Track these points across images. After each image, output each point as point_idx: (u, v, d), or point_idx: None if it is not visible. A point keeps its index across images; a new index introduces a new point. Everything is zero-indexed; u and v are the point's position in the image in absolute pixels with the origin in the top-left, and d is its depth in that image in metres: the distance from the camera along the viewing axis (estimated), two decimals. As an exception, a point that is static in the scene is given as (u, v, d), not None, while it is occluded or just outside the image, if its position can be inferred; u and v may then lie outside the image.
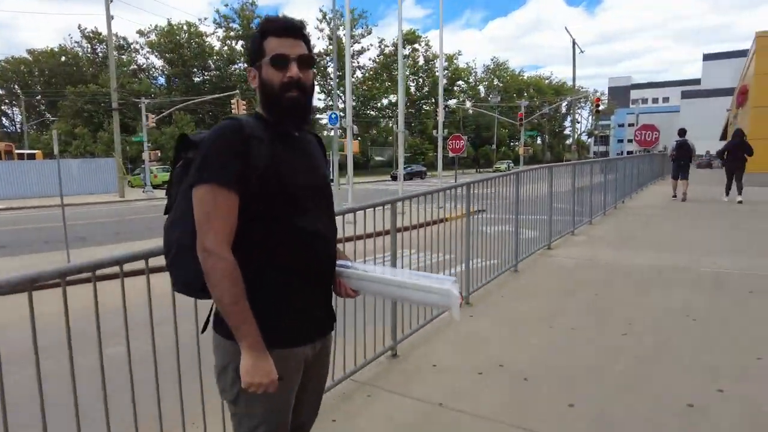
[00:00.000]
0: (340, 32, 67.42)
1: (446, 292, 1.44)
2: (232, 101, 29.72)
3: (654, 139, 16.51)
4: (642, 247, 6.94)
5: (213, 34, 64.60)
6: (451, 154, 21.15)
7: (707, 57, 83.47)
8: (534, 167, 7.12)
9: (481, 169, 75.21)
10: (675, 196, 13.02)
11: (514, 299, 4.83)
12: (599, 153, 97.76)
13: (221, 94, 39.30)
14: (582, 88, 61.93)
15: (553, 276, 5.61)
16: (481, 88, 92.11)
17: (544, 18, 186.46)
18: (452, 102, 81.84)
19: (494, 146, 78.50)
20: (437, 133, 21.76)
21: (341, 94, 68.34)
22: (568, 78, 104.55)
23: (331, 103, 66.65)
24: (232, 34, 63.38)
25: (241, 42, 63.06)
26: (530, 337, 3.86)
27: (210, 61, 65.50)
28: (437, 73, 77.65)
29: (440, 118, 21.03)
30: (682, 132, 13.68)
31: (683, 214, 10.18)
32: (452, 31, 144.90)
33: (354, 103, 66.96)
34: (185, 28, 62.68)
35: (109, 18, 27.72)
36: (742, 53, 72.98)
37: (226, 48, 64.27)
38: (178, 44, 61.52)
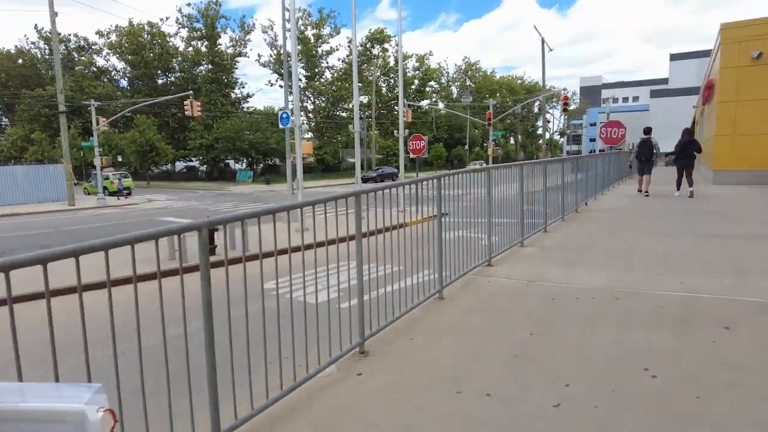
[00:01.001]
0: (308, 32, 65.84)
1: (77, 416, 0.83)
2: (185, 102, 28.11)
3: (620, 136, 15.71)
4: (599, 263, 5.91)
5: (176, 34, 62.49)
6: (411, 156, 20.08)
7: (674, 57, 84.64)
8: (459, 171, 6.03)
9: (454, 170, 74.53)
10: (640, 191, 13.73)
11: (425, 345, 3.69)
12: (572, 152, 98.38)
13: (171, 96, 37.50)
14: (553, 87, 61.73)
15: (483, 307, 4.51)
16: (454, 88, 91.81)
17: (518, 19, 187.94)
18: (425, 103, 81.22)
19: (467, 147, 78.05)
20: (398, 133, 20.72)
21: (310, 96, 66.76)
22: (541, 78, 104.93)
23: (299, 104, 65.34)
24: (196, 34, 61.36)
25: (206, 42, 61.14)
26: (425, 411, 2.72)
27: (174, 63, 63.40)
28: (409, 74, 77.03)
29: (401, 118, 19.96)
30: (646, 130, 14.14)
31: (647, 218, 9.25)
32: (427, 33, 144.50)
33: (323, 104, 65.96)
34: (147, 28, 60.46)
35: (53, 14, 26.01)
36: (706, 53, 74.13)
37: (190, 49, 62.22)
38: (140, 45, 59.26)
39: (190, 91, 30.78)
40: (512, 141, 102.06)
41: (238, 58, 61.41)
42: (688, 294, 4.49)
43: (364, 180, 49.24)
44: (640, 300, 4.38)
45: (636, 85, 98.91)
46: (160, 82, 63.60)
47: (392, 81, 75.28)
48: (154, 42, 60.84)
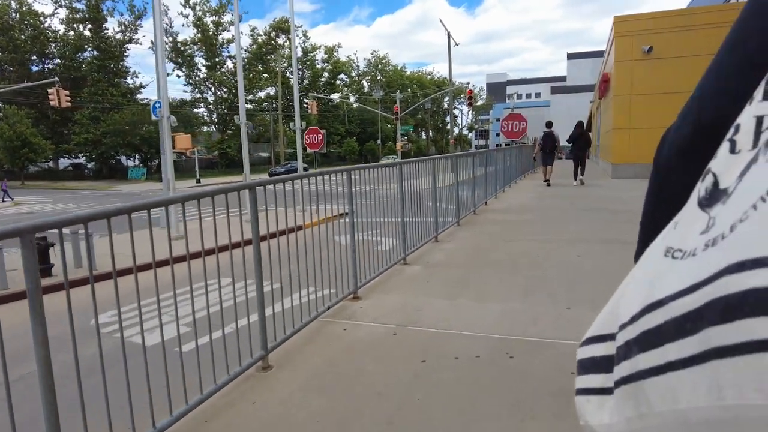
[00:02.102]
0: (207, 19, 61.21)
1: None
2: (50, 92, 24.28)
3: (522, 129, 15.07)
4: (493, 287, 4.64)
5: (53, 15, 55.50)
6: (308, 150, 18.38)
7: (570, 56, 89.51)
8: (332, 168, 4.56)
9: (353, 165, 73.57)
10: (545, 181, 14.83)
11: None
12: (480, 146, 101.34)
13: (32, 83, 32.79)
14: (460, 83, 62.25)
15: (324, 382, 3.01)
16: (365, 82, 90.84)
17: (429, 17, 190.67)
18: (335, 96, 79.44)
19: (380, 141, 77.37)
20: (294, 126, 18.96)
21: (211, 86, 62.17)
22: (453, 74, 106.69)
23: (199, 95, 60.88)
24: (77, 16, 54.86)
25: (89, 26, 54.88)
26: None
27: (53, 48, 56.34)
28: (318, 66, 74.76)
29: (296, 107, 18.17)
30: (548, 124, 15.01)
31: (550, 220, 8.31)
32: (340, 27, 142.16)
33: (225, 95, 61.94)
34: (14, 5, 53.09)
35: None
36: (599, 54, 78.95)
37: (72, 33, 55.55)
38: (5, 25, 51.85)
39: (56, 79, 26.73)
40: (423, 136, 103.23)
41: (128, 45, 55.86)
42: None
43: (272, 175, 46.74)
44: (543, 358, 3.09)
45: (538, 82, 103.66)
46: (35, 69, 56.34)
47: (300, 72, 72.72)
48: (25, 22, 53.66)
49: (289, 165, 43.65)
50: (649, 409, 0.41)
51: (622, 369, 0.45)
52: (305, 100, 72.42)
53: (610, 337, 0.52)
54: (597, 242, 6.33)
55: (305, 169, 45.02)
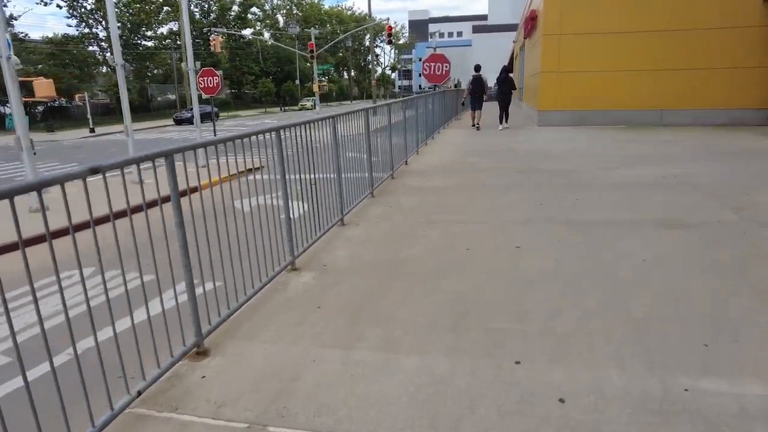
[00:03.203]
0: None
1: None
2: None
3: (445, 72, 13.53)
4: (406, 326, 3.21)
5: None
6: (204, 96, 15.83)
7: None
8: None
9: (286, 108, 69.84)
10: (474, 125, 15.17)
11: None
12: (403, 87, 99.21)
13: None
14: (381, 19, 58.72)
15: None
16: (280, 17, 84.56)
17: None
18: (248, 32, 73.36)
19: (298, 81, 73.10)
20: (187, 67, 16.21)
21: (101, 19, 54.99)
22: (374, 10, 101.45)
23: (87, 30, 53.33)
24: None
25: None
26: None
27: None
28: (226, -2, 67.99)
29: (187, 44, 15.36)
30: (477, 67, 14.75)
31: (480, 186, 7.00)
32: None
33: (120, 32, 54.71)
34: None
35: None
36: (520, -11, 77.79)
37: None
38: None
39: None
40: (345, 76, 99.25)
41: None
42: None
43: (178, 121, 42.32)
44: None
45: (460, 20, 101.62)
46: None
47: (206, 5, 66.02)
48: None
49: (199, 109, 39.58)
50: None
51: None
52: (210, 36, 66.31)
53: None
54: (538, 222, 5.07)
55: (214, 114, 40.91)
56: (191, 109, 38.03)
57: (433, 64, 13.40)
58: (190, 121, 35.66)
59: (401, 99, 8.58)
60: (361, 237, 4.87)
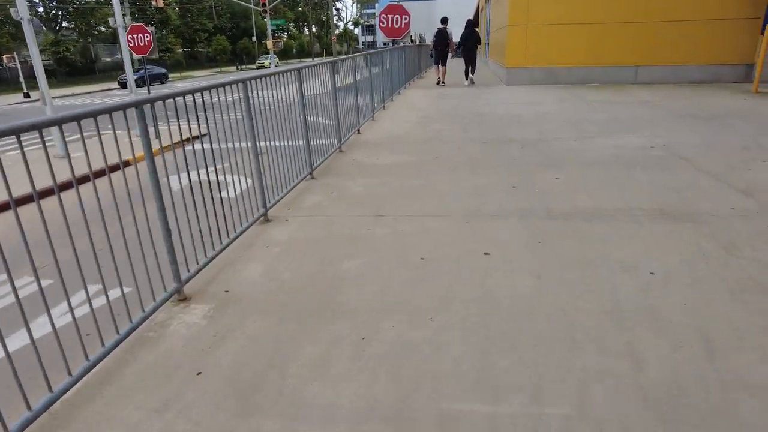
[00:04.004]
0: None
1: None
2: None
3: (404, 25, 12.15)
4: (326, 399, 2.20)
5: None
6: (135, 56, 14.02)
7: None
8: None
9: (243, 66, 66.49)
10: (440, 82, 15.00)
11: None
12: (367, 43, 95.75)
13: None
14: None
15: None
16: (234, -32, 79.51)
17: None
18: (199, -16, 68.67)
19: (254, 38, 69.43)
20: (115, 23, 14.35)
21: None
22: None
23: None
24: None
25: None
26: None
27: None
28: (173, -54, 63.13)
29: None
30: (443, 20, 14.42)
31: (442, 163, 5.94)
32: None
33: (54, -17, 49.95)
34: None
35: None
36: (485, -61, 74.59)
37: None
38: None
39: None
40: (306, 32, 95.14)
41: None
42: None
43: (123, 84, 39.24)
44: None
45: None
46: None
47: (151, -46, 61.04)
48: None
49: (142, 71, 36.44)
50: None
51: None
52: (160, -11, 61.69)
53: None
54: (511, 214, 4.07)
55: (161, 76, 38.04)
56: (139, 70, 35.16)
57: (390, 16, 11.99)
58: (136, 82, 32.95)
59: (345, 57, 7.32)
60: (287, 240, 3.77)
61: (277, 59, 68.08)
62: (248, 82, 3.88)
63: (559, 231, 3.66)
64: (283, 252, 3.56)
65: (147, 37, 13.44)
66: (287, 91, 4.72)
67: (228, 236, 3.56)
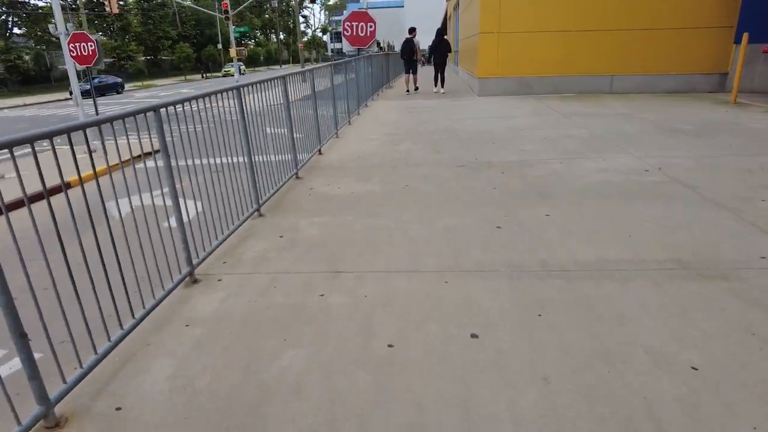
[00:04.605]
0: None
1: None
2: None
3: (370, 34, 11.39)
4: None
5: None
6: (78, 67, 12.85)
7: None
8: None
9: (209, 74, 64.88)
10: (408, 91, 15.31)
11: None
12: (336, 50, 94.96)
13: None
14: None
15: None
16: (198, -26, 77.88)
17: None
18: (161, -9, 66.95)
19: (220, 46, 67.92)
20: (56, 30, 13.15)
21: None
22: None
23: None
24: None
25: None
26: None
27: None
28: (132, -49, 61.31)
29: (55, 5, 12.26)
30: (410, 30, 14.68)
31: (410, 199, 5.16)
32: None
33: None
34: None
35: None
36: (452, -53, 74.67)
37: None
38: None
39: None
40: (274, 39, 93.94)
41: None
42: None
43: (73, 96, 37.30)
44: None
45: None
46: None
47: (108, -41, 58.94)
48: None
49: (99, 79, 34.60)
50: None
51: None
52: (119, -5, 59.89)
53: None
54: (499, 269, 3.31)
55: (116, 86, 36.09)
56: (94, 78, 33.30)
57: (355, 23, 11.21)
58: (89, 93, 31.09)
59: (303, 70, 6.49)
60: (213, 316, 2.91)
61: (243, 67, 66.67)
62: (166, 108, 3.02)
63: (561, 297, 2.91)
64: (205, 337, 2.70)
65: (91, 46, 12.32)
66: (230, 108, 3.87)
67: (133, 315, 2.68)
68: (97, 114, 13.93)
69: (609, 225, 3.96)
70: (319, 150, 7.19)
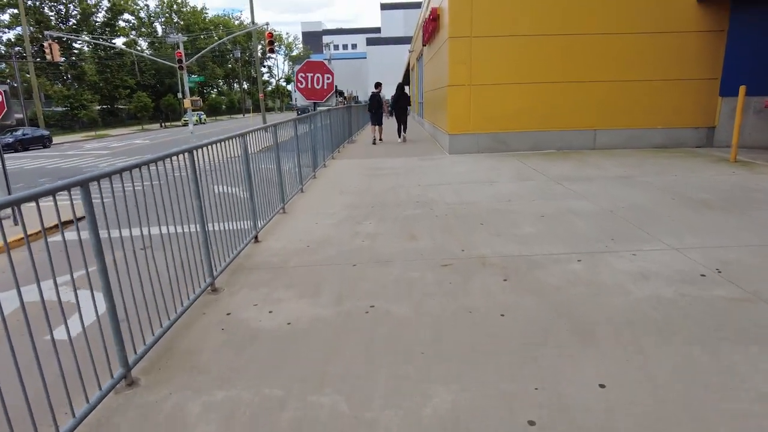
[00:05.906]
0: None
1: None
2: None
3: (327, 86, 9.96)
4: None
5: None
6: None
7: (384, 7, 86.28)
8: None
9: (168, 123, 62.98)
10: (374, 141, 15.67)
11: None
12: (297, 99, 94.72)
13: None
14: (261, 26, 53.71)
15: None
16: (158, 25, 77.17)
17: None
18: (120, 41, 65.68)
19: (180, 95, 66.38)
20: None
21: None
22: (271, 21, 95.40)
23: None
24: None
25: None
26: None
27: None
28: (90, 1, 60.12)
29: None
30: (376, 85, 15.61)
31: (393, 342, 3.47)
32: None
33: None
34: None
35: None
36: (412, 5, 76.59)
37: None
38: None
39: None
40: (237, 88, 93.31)
41: None
42: None
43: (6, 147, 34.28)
44: None
45: (354, 33, 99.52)
46: None
47: (63, 7, 57.57)
48: None
49: (21, 133, 30.89)
50: None
51: None
52: (75, 46, 58.09)
53: None
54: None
55: (43, 139, 32.78)
56: (17, 130, 30.39)
57: (310, 74, 9.79)
58: (12, 146, 28.34)
59: (236, 134, 4.87)
60: None
61: (204, 116, 64.94)
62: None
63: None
64: None
65: (-3, 99, 10.39)
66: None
67: None
68: (5, 172, 11.70)
69: (711, 409, 2.34)
70: (256, 236, 5.47)
